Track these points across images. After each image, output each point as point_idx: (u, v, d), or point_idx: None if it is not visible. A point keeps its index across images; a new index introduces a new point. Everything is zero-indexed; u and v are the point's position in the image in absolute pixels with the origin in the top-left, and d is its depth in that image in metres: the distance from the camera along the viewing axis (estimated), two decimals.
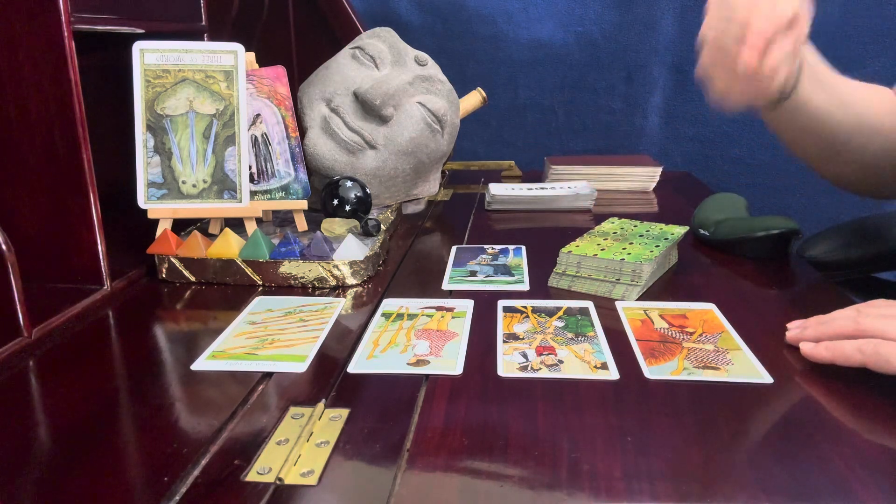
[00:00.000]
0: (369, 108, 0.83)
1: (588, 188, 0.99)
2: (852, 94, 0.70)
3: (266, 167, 0.76)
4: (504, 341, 0.55)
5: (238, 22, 0.99)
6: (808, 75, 0.66)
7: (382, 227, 0.79)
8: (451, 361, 0.51)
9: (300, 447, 0.41)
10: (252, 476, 0.38)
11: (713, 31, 0.61)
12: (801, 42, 0.60)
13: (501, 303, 0.63)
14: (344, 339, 0.56)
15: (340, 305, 0.63)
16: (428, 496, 0.37)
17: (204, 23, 0.89)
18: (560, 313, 0.60)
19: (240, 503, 0.36)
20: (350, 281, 0.68)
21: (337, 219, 0.77)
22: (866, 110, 0.69)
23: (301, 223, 0.79)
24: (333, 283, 0.68)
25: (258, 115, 0.76)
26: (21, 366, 0.52)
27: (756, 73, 0.58)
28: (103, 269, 0.65)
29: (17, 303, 0.54)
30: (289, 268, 0.68)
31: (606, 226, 0.76)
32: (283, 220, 0.83)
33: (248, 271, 0.69)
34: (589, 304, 0.62)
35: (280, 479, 0.38)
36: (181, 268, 0.69)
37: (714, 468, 0.38)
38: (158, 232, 0.72)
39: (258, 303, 0.64)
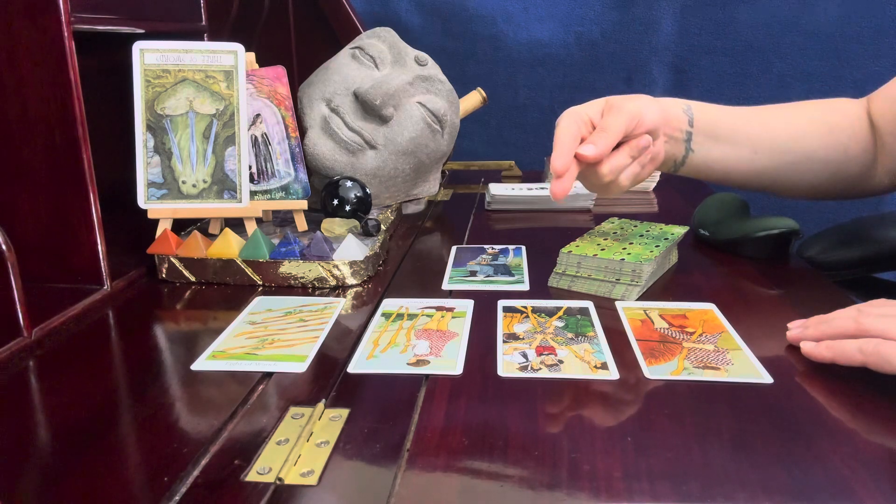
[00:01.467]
0: (369, 108, 0.83)
1: None
2: (774, 133, 0.70)
3: (266, 167, 0.76)
4: (504, 341, 0.55)
5: (238, 22, 1.00)
6: (702, 138, 0.68)
7: (382, 227, 0.79)
8: (451, 361, 0.51)
9: (300, 447, 0.41)
10: (252, 476, 0.38)
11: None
12: (639, 153, 0.63)
13: (501, 303, 0.63)
14: (344, 339, 0.56)
15: (340, 305, 0.63)
16: (428, 496, 0.37)
17: (204, 23, 0.89)
18: (560, 313, 0.60)
19: (240, 503, 0.36)
20: (350, 281, 0.68)
21: (337, 219, 0.77)
22: (796, 143, 0.70)
23: (301, 223, 0.79)
24: (333, 283, 0.68)
25: (258, 115, 0.76)
26: (21, 366, 0.52)
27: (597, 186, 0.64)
28: (103, 269, 0.65)
29: (17, 303, 0.54)
30: (289, 268, 0.68)
31: (606, 226, 0.76)
32: (283, 220, 0.83)
33: (248, 271, 0.69)
34: (589, 304, 0.62)
35: (280, 479, 0.38)
36: (181, 268, 0.69)
37: (714, 468, 0.38)
38: (158, 232, 0.72)
39: (258, 303, 0.64)
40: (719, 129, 0.68)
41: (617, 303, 0.62)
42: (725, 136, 0.69)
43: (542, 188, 1.01)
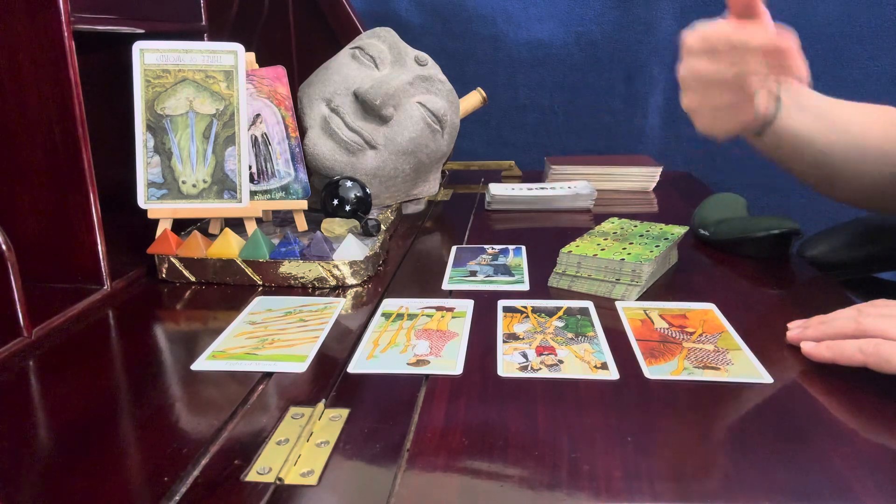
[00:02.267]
0: (369, 108, 0.83)
1: (588, 188, 0.99)
2: (847, 117, 0.69)
3: (266, 167, 0.76)
4: (504, 341, 0.55)
5: (238, 22, 1.00)
6: (792, 101, 0.67)
7: (382, 227, 0.79)
8: (451, 361, 0.51)
9: (300, 447, 0.41)
10: (252, 476, 0.38)
11: (692, 70, 0.61)
12: (785, 71, 0.60)
13: (501, 303, 0.63)
14: (344, 339, 0.56)
15: (340, 305, 0.63)
16: (428, 496, 0.37)
17: (204, 23, 0.89)
18: (560, 313, 0.60)
19: (240, 503, 0.36)
20: (350, 281, 0.68)
21: (337, 219, 0.77)
22: (863, 134, 0.69)
23: (301, 223, 0.79)
24: (333, 283, 0.68)
25: (258, 115, 0.76)
26: (21, 366, 0.52)
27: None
28: (103, 269, 0.65)
29: (17, 303, 0.54)
30: (289, 268, 0.68)
31: (606, 226, 0.76)
32: (283, 220, 0.83)
33: (248, 271, 0.69)
34: (589, 304, 0.62)
35: (280, 479, 0.38)
36: (181, 268, 0.69)
37: (714, 468, 0.38)
38: (158, 232, 0.72)
39: (258, 303, 0.64)
40: (803, 97, 0.67)
41: (617, 303, 0.62)
42: (808, 106, 0.67)
43: (541, 188, 1.01)
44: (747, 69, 0.58)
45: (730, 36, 0.59)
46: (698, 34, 0.60)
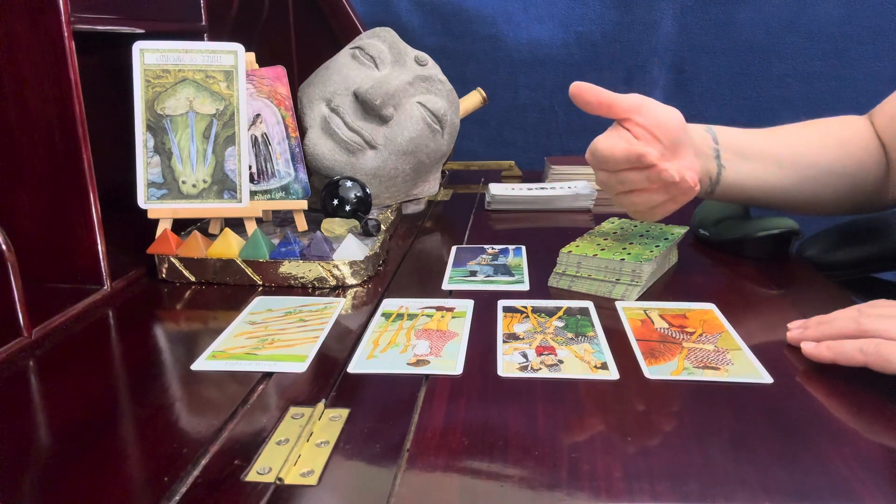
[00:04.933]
0: (369, 108, 0.83)
1: (588, 188, 0.99)
2: (792, 150, 0.71)
3: (266, 167, 0.76)
4: (504, 341, 0.55)
5: (238, 22, 1.00)
6: (731, 154, 0.68)
7: (382, 227, 0.79)
8: (451, 361, 0.51)
9: (300, 447, 0.41)
10: (252, 476, 0.38)
11: (598, 180, 0.65)
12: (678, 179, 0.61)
13: (501, 303, 0.63)
14: (344, 339, 0.56)
15: (340, 305, 0.63)
16: (428, 496, 0.37)
17: (204, 23, 0.89)
18: (560, 313, 0.60)
19: (240, 503, 0.36)
20: (350, 281, 0.68)
21: (337, 219, 0.77)
22: (814, 161, 0.70)
23: (301, 223, 0.79)
24: (333, 283, 0.68)
25: (258, 115, 0.76)
26: (21, 366, 0.52)
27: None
28: (103, 269, 0.65)
29: (17, 303, 0.54)
30: (289, 268, 0.68)
31: (606, 226, 0.76)
32: (283, 220, 0.83)
33: (248, 271, 0.69)
34: (589, 304, 0.62)
35: (280, 479, 0.38)
36: (181, 268, 0.69)
37: (714, 468, 0.38)
38: (158, 232, 0.72)
39: (258, 303, 0.64)
40: (743, 146, 0.69)
41: (617, 303, 0.62)
42: (750, 154, 0.69)
43: (541, 188, 1.01)
44: (633, 185, 0.61)
45: (600, 158, 0.61)
46: (589, 150, 0.63)
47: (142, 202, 0.72)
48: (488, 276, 0.70)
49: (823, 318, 0.52)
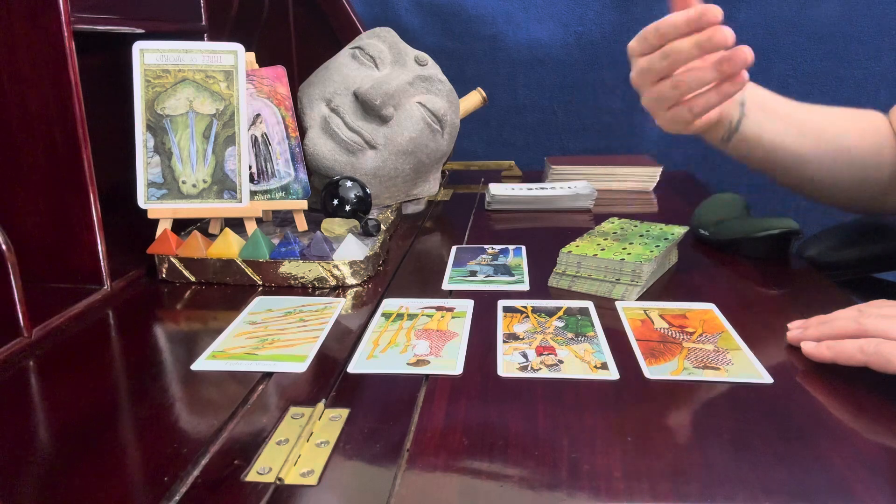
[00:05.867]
0: (369, 108, 0.83)
1: (588, 188, 0.99)
2: (821, 123, 0.70)
3: (266, 167, 0.76)
4: (504, 341, 0.55)
5: (238, 22, 0.99)
6: (757, 107, 0.67)
7: (382, 227, 0.79)
8: (451, 361, 0.51)
9: (300, 447, 0.41)
10: (252, 476, 0.38)
11: (634, 69, 0.64)
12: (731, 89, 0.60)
13: (501, 303, 0.63)
14: (344, 339, 0.56)
15: (340, 305, 0.63)
16: (428, 496, 0.37)
17: (204, 23, 0.89)
18: (560, 313, 0.60)
19: (240, 503, 0.36)
20: (350, 281, 0.68)
21: (337, 219, 0.77)
22: (838, 139, 0.70)
23: (301, 223, 0.79)
24: (333, 283, 0.68)
25: (258, 115, 0.76)
26: (21, 366, 0.52)
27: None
28: (103, 269, 0.65)
29: (17, 303, 0.54)
30: (289, 268, 0.68)
31: (606, 226, 0.76)
32: (283, 220, 0.83)
33: (248, 271, 0.69)
34: (589, 304, 0.62)
35: (280, 479, 0.38)
36: (181, 268, 0.69)
37: (714, 468, 0.38)
38: (158, 232, 0.72)
39: (258, 303, 0.64)
40: (769, 104, 0.68)
41: (617, 303, 0.62)
42: (775, 113, 0.68)
43: (541, 188, 1.01)
44: (678, 58, 0.61)
45: (657, 25, 0.62)
46: (636, 37, 0.63)
47: (142, 202, 0.72)
48: (488, 276, 0.70)
49: (823, 318, 0.52)
